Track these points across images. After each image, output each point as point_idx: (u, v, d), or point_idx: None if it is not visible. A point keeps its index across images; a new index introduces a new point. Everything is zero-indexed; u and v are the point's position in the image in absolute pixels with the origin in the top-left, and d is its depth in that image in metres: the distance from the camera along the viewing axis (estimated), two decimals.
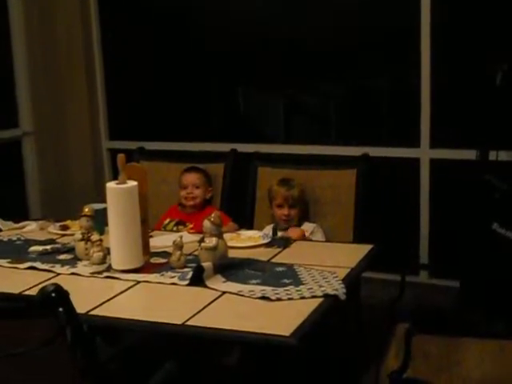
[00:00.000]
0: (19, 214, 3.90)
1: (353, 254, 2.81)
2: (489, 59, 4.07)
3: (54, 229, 3.25)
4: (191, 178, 3.59)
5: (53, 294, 1.70)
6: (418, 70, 4.21)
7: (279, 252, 2.87)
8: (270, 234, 3.16)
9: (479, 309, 3.51)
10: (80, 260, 2.78)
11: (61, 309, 1.71)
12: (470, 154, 3.93)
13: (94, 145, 5.07)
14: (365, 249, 2.87)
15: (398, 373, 2.29)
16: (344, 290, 2.36)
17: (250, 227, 3.42)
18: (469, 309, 3.62)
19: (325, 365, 2.88)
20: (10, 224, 3.36)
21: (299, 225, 3.37)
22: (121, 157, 2.66)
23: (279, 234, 3.25)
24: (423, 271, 4.42)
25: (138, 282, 2.55)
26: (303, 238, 3.19)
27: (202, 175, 3.62)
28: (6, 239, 3.14)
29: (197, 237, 2.82)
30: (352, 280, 2.56)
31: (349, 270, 2.61)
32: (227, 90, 4.94)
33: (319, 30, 4.55)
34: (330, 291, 2.35)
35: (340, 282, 2.44)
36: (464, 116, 4.25)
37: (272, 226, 3.39)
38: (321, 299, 2.30)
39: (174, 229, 3.44)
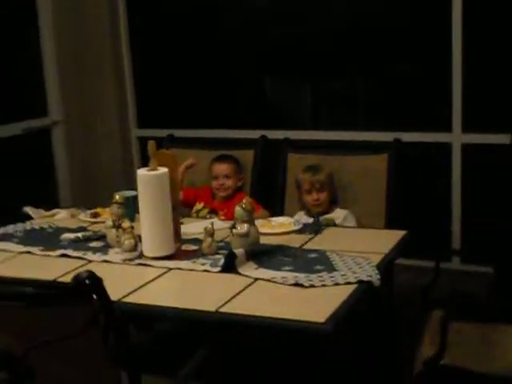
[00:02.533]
0: (50, 202, 3.92)
1: (386, 240, 2.78)
2: None
3: (84, 216, 3.26)
4: (222, 168, 3.57)
5: (87, 281, 1.70)
6: (449, 53, 4.13)
7: (311, 238, 2.84)
8: (309, 220, 3.14)
9: None
10: (111, 247, 2.78)
11: (95, 296, 1.71)
12: (503, 139, 3.86)
13: (123, 133, 5.06)
14: (398, 235, 2.83)
15: (434, 360, 2.26)
16: (378, 276, 2.33)
17: (281, 214, 3.40)
18: (503, 295, 3.56)
19: (359, 352, 2.86)
20: (41, 212, 3.37)
21: (330, 210, 3.34)
22: (151, 143, 2.65)
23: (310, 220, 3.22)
24: (455, 257, 4.37)
25: (170, 269, 2.54)
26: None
27: (233, 164, 3.60)
28: (37, 227, 3.16)
29: (228, 223, 2.80)
30: (386, 266, 2.53)
31: (382, 256, 2.58)
32: (255, 77, 4.91)
33: (348, 15, 4.49)
34: (364, 277, 2.32)
35: (374, 267, 2.41)
36: (497, 99, 4.17)
37: (302, 212, 3.37)
38: (355, 285, 2.28)
39: (208, 216, 3.43)
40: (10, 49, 4.58)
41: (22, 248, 2.86)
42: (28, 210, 3.36)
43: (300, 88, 4.80)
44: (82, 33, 4.86)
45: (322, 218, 3.21)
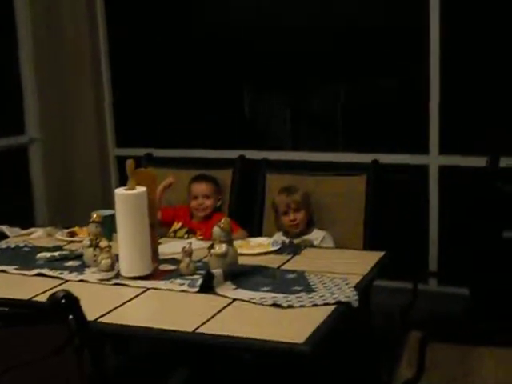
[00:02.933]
0: (26, 220, 3.88)
1: (364, 260, 2.78)
2: (499, 64, 4.06)
3: (61, 235, 3.23)
4: (201, 188, 3.56)
5: (63, 301, 1.68)
6: (427, 76, 4.18)
7: (289, 259, 2.84)
8: (286, 241, 3.14)
9: (490, 317, 3.47)
10: (88, 267, 2.75)
11: (71, 316, 1.69)
12: (479, 161, 3.90)
13: (101, 152, 5.04)
14: (376, 256, 2.84)
15: (412, 382, 2.25)
16: (356, 297, 2.33)
17: (260, 234, 3.40)
18: (479, 316, 3.58)
19: (336, 373, 2.85)
20: (18, 230, 3.34)
21: (307, 232, 3.34)
22: (130, 162, 2.63)
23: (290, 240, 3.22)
24: (432, 279, 4.38)
25: (147, 289, 2.52)
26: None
27: (212, 184, 3.59)
28: (13, 246, 3.12)
29: (206, 243, 2.79)
30: (364, 287, 2.53)
31: (361, 277, 2.58)
32: (234, 98, 4.92)
33: (326, 33, 4.53)
34: (342, 298, 2.31)
35: (352, 288, 2.41)
36: (474, 122, 4.22)
37: (281, 233, 3.36)
38: (333, 306, 2.27)
39: (185, 236, 3.41)
40: None
41: None
42: (4, 228, 3.33)
43: (279, 109, 4.82)
44: (60, 51, 4.84)
45: (298, 240, 3.21)
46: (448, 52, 4.14)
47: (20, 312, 1.79)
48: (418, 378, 2.30)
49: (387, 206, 4.02)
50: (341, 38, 4.50)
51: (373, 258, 2.82)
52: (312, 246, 3.17)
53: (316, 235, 3.32)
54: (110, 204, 2.65)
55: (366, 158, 3.81)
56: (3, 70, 4.70)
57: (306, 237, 3.31)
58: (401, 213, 4.41)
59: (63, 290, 1.70)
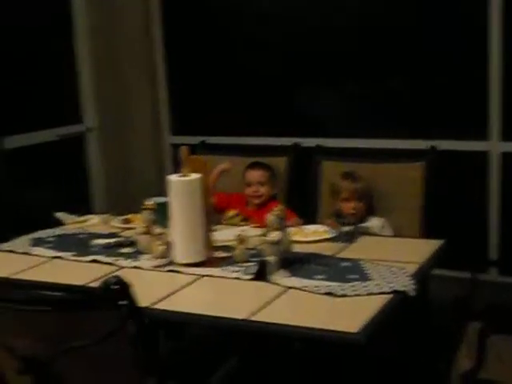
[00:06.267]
0: (84, 208, 3.92)
1: (422, 249, 2.71)
2: None
3: (116, 222, 3.25)
4: (256, 175, 3.53)
5: (115, 286, 1.68)
6: (487, 58, 4.05)
7: (345, 247, 2.79)
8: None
9: None
10: (143, 253, 2.76)
11: (123, 301, 1.69)
12: None
13: (156, 140, 5.07)
14: (434, 244, 2.77)
15: (472, 373, 2.20)
16: (414, 287, 2.27)
17: (314, 222, 3.35)
18: None
19: (393, 363, 2.79)
20: (74, 218, 3.37)
21: (366, 219, 3.28)
22: (183, 149, 2.63)
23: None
24: (492, 268, 4.27)
25: (201, 276, 2.51)
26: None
27: (267, 172, 3.55)
28: (69, 233, 3.16)
29: (260, 231, 2.76)
30: (421, 276, 2.47)
31: (418, 265, 2.51)
32: (288, 85, 4.87)
33: (382, 23, 4.44)
34: (398, 287, 2.26)
35: (409, 277, 2.35)
36: None
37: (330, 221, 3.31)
38: (389, 295, 2.22)
39: (241, 224, 3.39)
40: (45, 56, 4.61)
41: (54, 253, 2.86)
42: (60, 215, 3.37)
43: (333, 95, 4.75)
44: (117, 40, 4.88)
45: (358, 226, 3.14)
46: (509, 33, 4.00)
47: (74, 297, 1.79)
48: (477, 370, 2.24)
49: (446, 193, 3.93)
50: (397, 28, 4.41)
51: (431, 246, 2.75)
52: (369, 233, 3.11)
53: (374, 223, 3.26)
54: (165, 192, 2.65)
55: (423, 144, 3.71)
56: (61, 61, 4.75)
57: (363, 224, 3.24)
58: (460, 200, 4.30)
59: (115, 276, 1.70)
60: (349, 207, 3.26)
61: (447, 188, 4.04)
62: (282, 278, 2.41)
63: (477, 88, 4.19)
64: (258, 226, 3.13)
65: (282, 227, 2.58)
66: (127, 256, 2.76)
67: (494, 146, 4.13)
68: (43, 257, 2.83)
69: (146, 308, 2.14)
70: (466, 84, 4.31)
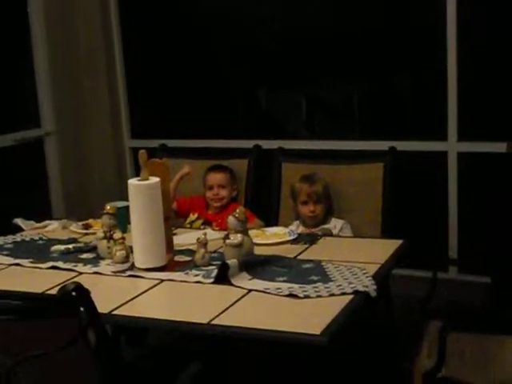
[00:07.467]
0: (42, 214, 3.86)
1: (382, 249, 2.73)
2: None
3: (76, 228, 3.21)
4: (216, 178, 3.52)
5: (73, 293, 1.65)
6: (444, 61, 4.10)
7: (306, 248, 2.80)
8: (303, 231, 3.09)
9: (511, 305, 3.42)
10: (102, 259, 2.73)
11: (82, 308, 1.66)
12: (499, 147, 3.82)
13: (115, 143, 5.02)
14: (394, 244, 2.79)
15: (433, 372, 2.22)
16: (375, 287, 2.29)
17: (276, 224, 3.35)
18: (501, 305, 3.52)
19: (357, 363, 2.81)
20: (32, 223, 3.32)
21: (326, 221, 3.29)
22: (142, 153, 2.60)
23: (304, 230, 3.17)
24: (452, 267, 4.32)
25: (162, 281, 2.49)
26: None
27: (228, 174, 3.55)
28: (28, 239, 3.10)
29: (221, 234, 2.76)
30: (382, 276, 2.48)
31: (378, 266, 2.53)
32: (249, 87, 4.87)
33: (342, 26, 4.47)
34: (360, 288, 2.27)
35: (370, 278, 2.36)
36: (492, 107, 4.14)
37: (298, 222, 3.32)
38: (351, 296, 2.23)
39: (202, 227, 3.38)
40: (2, 60, 4.54)
41: (11, 260, 2.80)
42: (19, 221, 3.31)
43: (294, 97, 4.76)
44: (74, 44, 4.83)
45: (317, 229, 3.16)
46: (465, 36, 4.06)
47: (32, 305, 1.76)
48: (439, 368, 2.26)
49: (406, 193, 3.97)
50: (356, 29, 4.44)
51: (391, 246, 2.76)
52: (330, 235, 3.12)
53: (334, 224, 3.27)
54: (125, 196, 2.63)
55: (383, 145, 3.74)
56: (18, 65, 4.68)
57: (324, 226, 3.26)
58: (420, 200, 4.34)
59: (74, 282, 1.68)
60: (307, 210, 3.27)
61: (407, 188, 4.07)
62: (244, 281, 2.40)
63: (435, 89, 4.23)
64: (219, 229, 3.13)
65: (243, 230, 2.58)
66: (87, 261, 2.72)
67: (452, 146, 4.17)
68: (0, 264, 2.78)
69: (107, 314, 2.12)
70: (424, 85, 4.37)
